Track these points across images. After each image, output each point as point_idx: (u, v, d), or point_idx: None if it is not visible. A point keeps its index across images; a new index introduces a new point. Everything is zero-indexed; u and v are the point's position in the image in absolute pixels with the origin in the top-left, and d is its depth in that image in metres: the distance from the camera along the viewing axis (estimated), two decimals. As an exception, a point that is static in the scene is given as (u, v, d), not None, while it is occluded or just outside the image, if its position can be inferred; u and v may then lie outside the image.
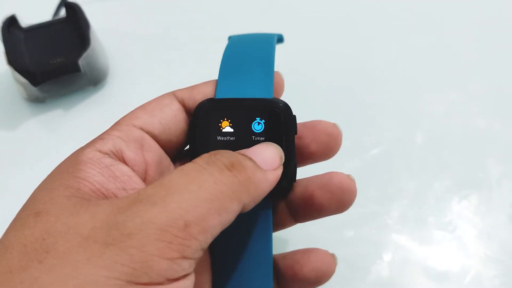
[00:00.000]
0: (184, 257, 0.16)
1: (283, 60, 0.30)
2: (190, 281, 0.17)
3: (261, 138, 0.22)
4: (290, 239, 0.31)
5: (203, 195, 0.17)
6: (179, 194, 0.16)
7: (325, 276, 0.23)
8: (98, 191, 0.18)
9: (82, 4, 0.38)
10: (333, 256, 0.23)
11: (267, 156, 0.20)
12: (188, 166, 0.18)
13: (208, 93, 0.23)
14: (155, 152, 0.21)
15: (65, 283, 0.14)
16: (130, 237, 0.15)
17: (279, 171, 0.20)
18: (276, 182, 0.20)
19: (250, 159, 0.19)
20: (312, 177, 0.23)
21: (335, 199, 0.22)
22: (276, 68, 0.24)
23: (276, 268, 0.23)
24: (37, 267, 0.15)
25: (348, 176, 0.22)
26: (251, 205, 0.18)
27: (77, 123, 0.37)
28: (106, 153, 0.19)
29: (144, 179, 0.20)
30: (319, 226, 0.31)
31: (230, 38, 0.26)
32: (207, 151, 0.22)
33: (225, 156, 0.18)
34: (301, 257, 0.23)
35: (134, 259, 0.15)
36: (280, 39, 0.27)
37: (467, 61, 0.39)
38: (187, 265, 0.16)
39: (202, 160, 0.18)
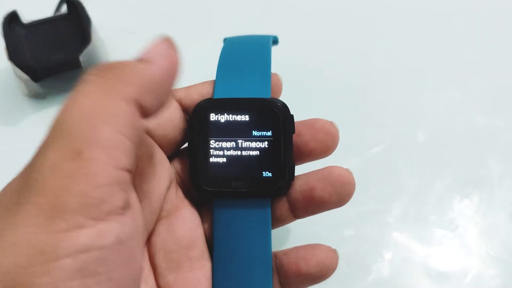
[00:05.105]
0: (96, 186, 0.15)
1: (285, 56, 0.30)
2: (121, 224, 0.15)
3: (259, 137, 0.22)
4: (290, 238, 0.31)
5: (77, 114, 0.15)
6: (60, 127, 0.15)
7: (329, 271, 0.23)
8: None
9: (84, 0, 0.38)
10: (335, 251, 0.23)
11: (151, 49, 0.18)
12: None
13: (205, 93, 0.23)
14: (147, 146, 0.21)
15: None
16: (31, 190, 0.15)
17: (172, 57, 0.18)
18: (172, 67, 0.18)
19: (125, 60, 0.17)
20: (312, 171, 0.23)
21: (335, 192, 0.22)
22: (277, 65, 0.24)
23: (279, 264, 0.23)
24: None
25: (347, 169, 0.23)
26: (150, 98, 0.17)
27: (78, 120, 0.37)
28: None
29: (135, 172, 0.20)
30: (320, 225, 0.31)
31: (225, 40, 0.26)
32: (205, 150, 0.22)
33: (95, 68, 0.17)
34: (306, 252, 0.23)
35: (42, 207, 0.14)
36: (275, 41, 0.27)
37: (470, 59, 0.39)
38: (102, 194, 0.15)
39: (78, 85, 0.17)
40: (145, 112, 0.17)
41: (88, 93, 0.16)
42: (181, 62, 0.19)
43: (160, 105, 0.18)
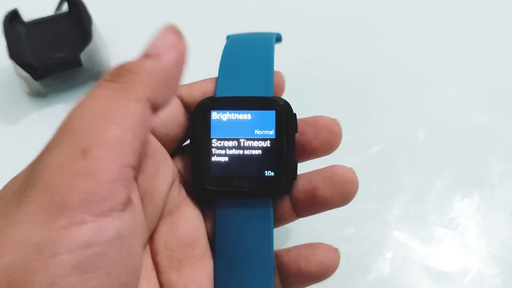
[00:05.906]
0: (99, 183, 0.15)
1: (286, 56, 0.30)
2: (121, 220, 0.15)
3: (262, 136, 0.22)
4: (291, 236, 0.31)
5: (88, 114, 0.16)
6: (68, 126, 0.16)
7: (329, 271, 0.23)
8: None
9: (84, -1, 0.38)
10: (336, 250, 0.23)
11: (157, 42, 0.18)
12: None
13: (207, 90, 0.23)
14: (150, 144, 0.21)
15: None
16: (34, 188, 0.15)
17: (180, 45, 0.18)
18: (181, 57, 0.18)
19: (135, 59, 0.18)
20: (314, 171, 0.23)
21: (338, 191, 0.22)
22: (278, 65, 0.24)
23: (280, 263, 0.23)
24: None
25: (350, 168, 0.23)
26: (163, 93, 0.17)
27: (78, 118, 0.37)
28: None
29: (138, 170, 0.20)
30: (320, 223, 0.31)
31: (228, 37, 0.26)
32: (207, 149, 0.22)
33: (108, 72, 0.17)
34: (307, 252, 0.23)
35: (44, 205, 0.14)
36: (278, 38, 0.27)
37: (470, 59, 0.39)
38: (105, 191, 0.15)
39: (91, 88, 0.17)
40: (157, 106, 0.17)
41: (99, 96, 0.16)
42: (188, 47, 0.18)
43: (171, 95, 0.18)
